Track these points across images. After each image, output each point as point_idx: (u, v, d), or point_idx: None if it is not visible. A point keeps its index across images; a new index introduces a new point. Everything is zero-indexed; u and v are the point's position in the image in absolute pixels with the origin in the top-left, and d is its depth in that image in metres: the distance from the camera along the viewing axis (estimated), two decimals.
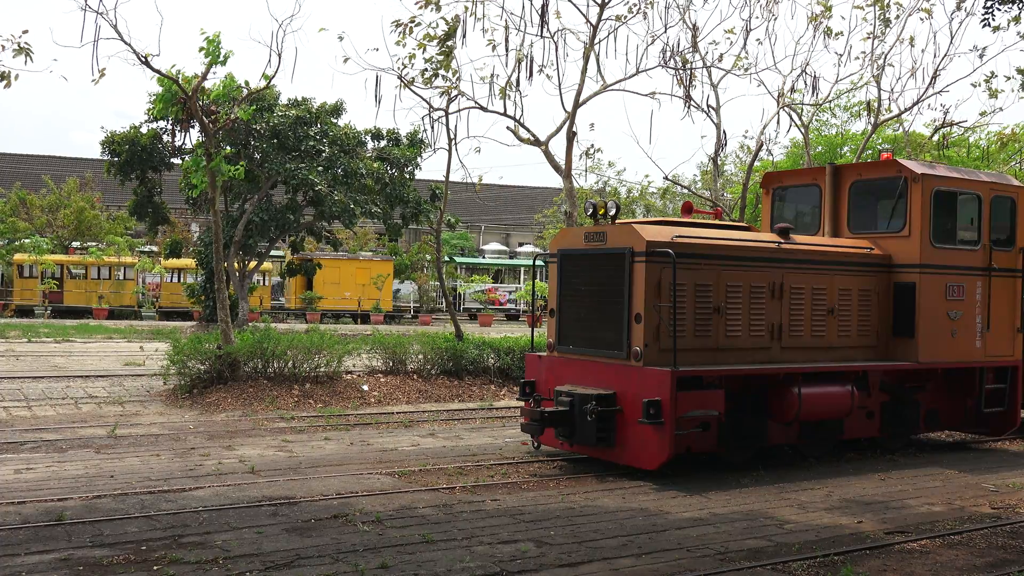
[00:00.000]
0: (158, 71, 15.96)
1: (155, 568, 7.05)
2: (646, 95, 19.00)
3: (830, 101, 24.66)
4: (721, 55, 20.00)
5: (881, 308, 12.89)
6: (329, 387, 17.02)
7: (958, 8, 18.57)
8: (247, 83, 19.47)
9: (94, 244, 45.74)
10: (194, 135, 30.48)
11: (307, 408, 15.94)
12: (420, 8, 17.01)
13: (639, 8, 18.12)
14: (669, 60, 18.64)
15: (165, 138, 32.40)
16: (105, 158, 33.36)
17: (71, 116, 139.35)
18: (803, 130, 23.10)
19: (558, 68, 20.90)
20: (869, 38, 19.91)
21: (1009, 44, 21.08)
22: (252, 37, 71.27)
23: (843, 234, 13.49)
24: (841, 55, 20.11)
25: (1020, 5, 10.26)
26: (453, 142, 19.26)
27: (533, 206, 69.49)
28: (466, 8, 16.94)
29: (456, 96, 18.15)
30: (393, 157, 33.48)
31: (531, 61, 17.46)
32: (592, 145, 19.48)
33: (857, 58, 20.49)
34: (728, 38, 19.95)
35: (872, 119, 21.27)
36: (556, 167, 18.61)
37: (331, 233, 37.38)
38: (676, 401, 10.52)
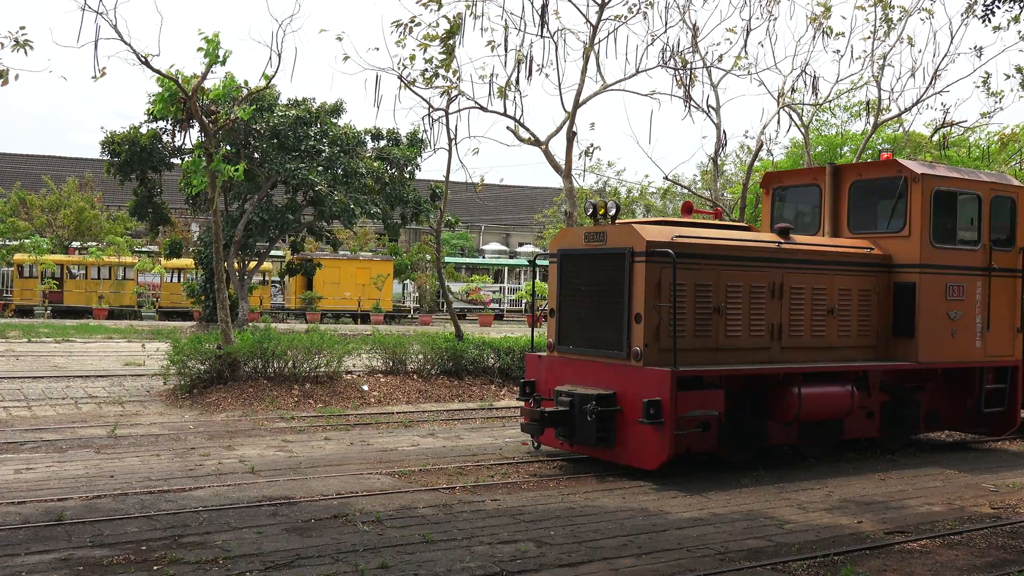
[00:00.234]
0: (158, 71, 15.96)
1: (155, 568, 7.05)
2: (646, 95, 19.01)
3: (830, 101, 24.67)
4: (721, 56, 20.03)
5: (881, 308, 12.89)
6: (329, 387, 17.02)
7: (967, 12, 18.57)
8: (246, 83, 19.47)
9: (94, 244, 45.73)
10: (194, 135, 30.50)
11: (307, 408, 15.94)
12: (423, 7, 17.01)
13: (639, 8, 18.13)
14: (669, 60, 18.64)
15: (165, 138, 32.40)
16: (105, 158, 33.36)
17: (71, 116, 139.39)
18: (803, 130, 23.11)
19: (558, 68, 20.95)
20: (870, 38, 19.93)
21: (1009, 44, 21.06)
22: (252, 37, 71.30)
23: (843, 234, 13.49)
24: (841, 55, 20.13)
25: (1020, 4, 10.26)
26: (453, 142, 19.28)
27: (533, 206, 69.50)
28: (467, 7, 16.95)
29: (456, 96, 18.16)
30: (393, 157, 33.48)
31: (531, 61, 17.47)
32: (592, 144, 19.48)
33: (859, 58, 20.51)
34: (728, 38, 19.98)
35: (872, 119, 21.27)
36: (556, 167, 18.61)
37: (331, 233, 37.38)
38: (676, 401, 10.52)
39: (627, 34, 36.78)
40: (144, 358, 21.74)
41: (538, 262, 55.72)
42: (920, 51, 30.48)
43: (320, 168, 30.53)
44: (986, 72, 20.97)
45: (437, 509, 9.09)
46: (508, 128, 18.50)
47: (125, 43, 15.14)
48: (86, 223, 48.12)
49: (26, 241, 44.08)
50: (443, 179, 20.83)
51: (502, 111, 18.17)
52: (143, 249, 48.47)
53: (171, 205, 38.76)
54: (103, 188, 52.81)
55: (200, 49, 16.03)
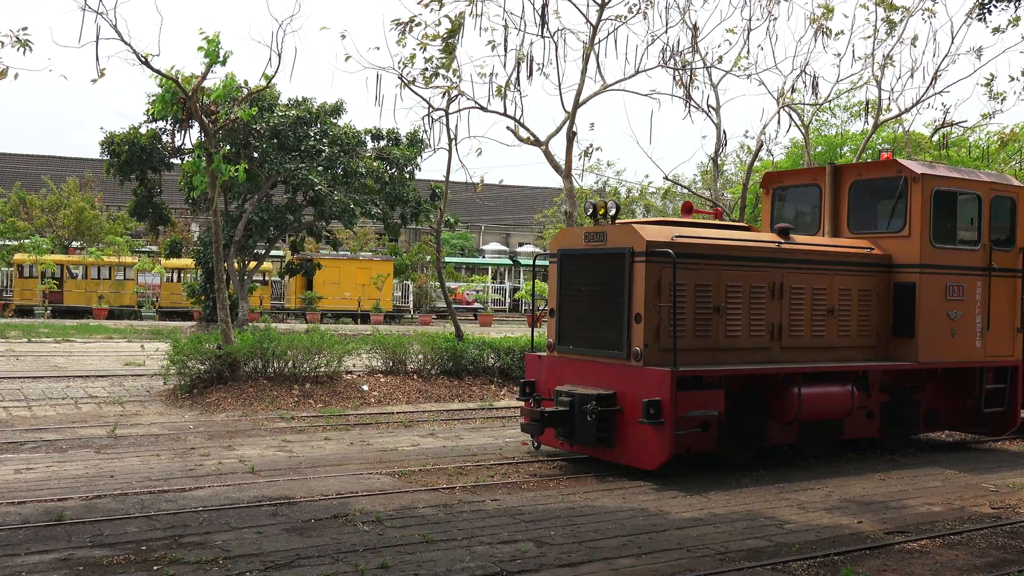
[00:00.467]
0: (158, 71, 15.96)
1: (155, 568, 7.06)
2: (646, 95, 19.01)
3: (830, 101, 24.67)
4: (721, 56, 20.03)
5: (881, 308, 12.89)
6: (329, 387, 17.02)
7: (970, 14, 18.58)
8: (246, 83, 19.48)
9: (93, 245, 45.74)
10: (194, 135, 30.51)
11: (307, 408, 15.94)
12: (423, 6, 17.01)
13: (639, 8, 18.12)
14: (669, 60, 18.64)
15: (164, 138, 32.40)
16: (105, 158, 33.36)
17: (71, 116, 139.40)
18: (803, 130, 23.11)
19: (558, 68, 20.97)
20: (870, 38, 19.93)
21: (1010, 45, 21.15)
22: (252, 37, 71.35)
23: (843, 234, 13.49)
24: (841, 55, 20.13)
25: (1016, 4, 10.27)
26: (453, 142, 19.28)
27: (533, 206, 69.51)
28: (469, 5, 16.95)
29: (456, 96, 18.16)
30: (393, 157, 33.47)
31: (531, 61, 17.47)
32: (591, 144, 19.47)
33: (860, 58, 20.51)
34: (728, 39, 19.98)
35: (872, 119, 21.27)
36: (556, 167, 18.61)
37: (331, 233, 37.37)
38: (676, 401, 10.52)
39: (627, 34, 36.83)
40: (144, 358, 21.74)
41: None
42: (923, 52, 30.55)
43: (320, 168, 30.52)
44: (992, 74, 20.99)
45: (437, 509, 9.09)
46: (508, 128, 18.51)
47: (125, 43, 15.16)
48: (86, 223, 48.12)
49: (26, 241, 44.07)
50: (443, 179, 20.83)
51: (502, 111, 18.18)
52: (143, 249, 48.47)
53: (171, 205, 38.76)
54: (103, 188, 52.82)
55: (200, 49, 16.03)
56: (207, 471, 10.68)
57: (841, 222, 13.58)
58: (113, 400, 16.21)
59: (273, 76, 16.90)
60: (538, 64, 17.54)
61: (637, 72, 18.44)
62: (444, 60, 17.43)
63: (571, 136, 18.20)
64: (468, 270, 58.84)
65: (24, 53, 13.42)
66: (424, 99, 18.26)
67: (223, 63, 16.15)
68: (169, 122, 29.61)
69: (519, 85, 17.62)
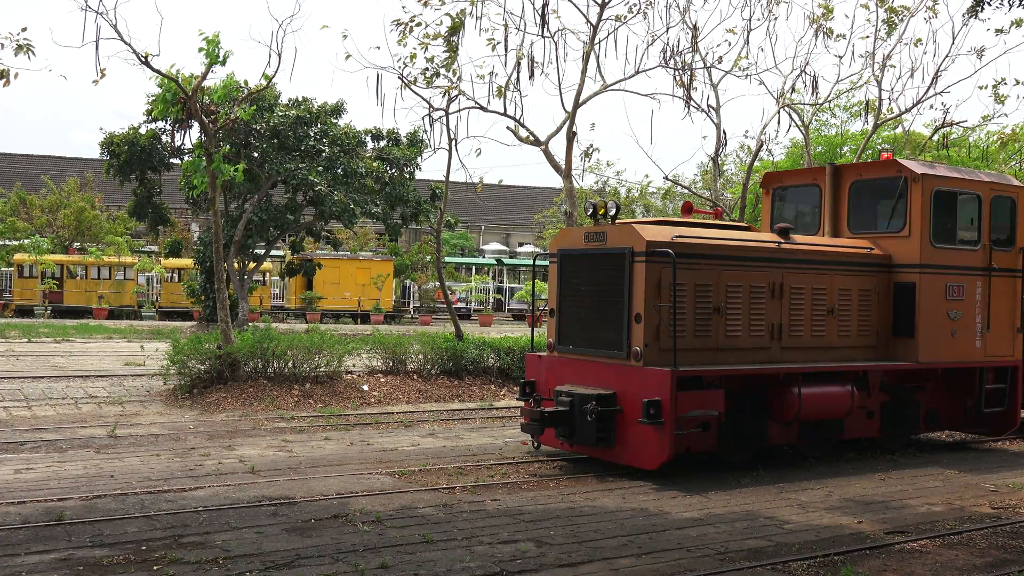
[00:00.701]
0: (158, 71, 15.96)
1: (155, 568, 7.06)
2: (646, 95, 19.01)
3: (830, 101, 24.67)
4: (721, 56, 20.03)
5: (881, 308, 12.89)
6: (329, 387, 17.02)
7: (968, 13, 18.57)
8: (246, 83, 19.49)
9: (93, 245, 45.74)
10: (194, 135, 30.51)
11: (307, 408, 15.94)
12: (423, 5, 17.02)
13: (639, 8, 18.13)
14: (669, 60, 18.64)
15: (164, 138, 32.41)
16: (104, 159, 33.36)
17: (71, 116, 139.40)
18: (803, 130, 23.11)
19: (558, 68, 20.95)
20: (869, 38, 19.93)
21: (1012, 46, 21.11)
22: (252, 37, 71.33)
23: (843, 234, 13.49)
24: (842, 56, 20.14)
25: (1010, 3, 10.28)
26: (453, 142, 19.27)
27: (533, 206, 69.53)
28: (471, 3, 16.94)
29: (456, 96, 18.16)
30: (393, 157, 33.48)
31: (532, 61, 17.47)
32: (591, 145, 19.47)
33: (861, 55, 20.50)
34: (728, 39, 19.98)
35: (872, 119, 21.27)
36: (556, 167, 18.61)
37: (331, 233, 37.37)
38: (676, 401, 10.52)
39: (627, 34, 36.83)
40: (144, 358, 21.74)
41: (538, 262, 55.70)
42: (923, 52, 30.54)
43: (320, 168, 30.53)
44: (1002, 79, 21.02)
45: (437, 509, 9.09)
46: (508, 128, 18.51)
47: (125, 43, 15.16)
48: (86, 223, 48.12)
49: (26, 241, 44.07)
50: (443, 179, 20.83)
51: (502, 111, 18.18)
52: (143, 249, 48.47)
53: (171, 205, 38.77)
54: (103, 188, 52.82)
55: (201, 50, 16.04)
56: (207, 471, 10.68)
57: (841, 222, 13.58)
58: (113, 400, 16.21)
59: (273, 76, 16.91)
60: (538, 64, 17.56)
61: (637, 72, 18.45)
62: (447, 58, 17.43)
63: (571, 136, 18.20)
64: (468, 270, 58.81)
65: (29, 58, 13.41)
66: (424, 99, 18.28)
67: (223, 63, 16.16)
68: (169, 122, 29.61)
69: (519, 85, 17.63)
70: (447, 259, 57.14)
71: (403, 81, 17.79)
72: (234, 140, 29.09)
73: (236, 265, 31.74)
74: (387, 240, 44.16)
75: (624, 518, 8.98)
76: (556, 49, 19.04)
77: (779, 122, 28.88)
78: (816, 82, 20.03)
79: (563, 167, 18.37)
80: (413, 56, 17.70)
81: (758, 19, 19.07)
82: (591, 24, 17.90)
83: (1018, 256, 13.71)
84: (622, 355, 11.04)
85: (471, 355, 18.88)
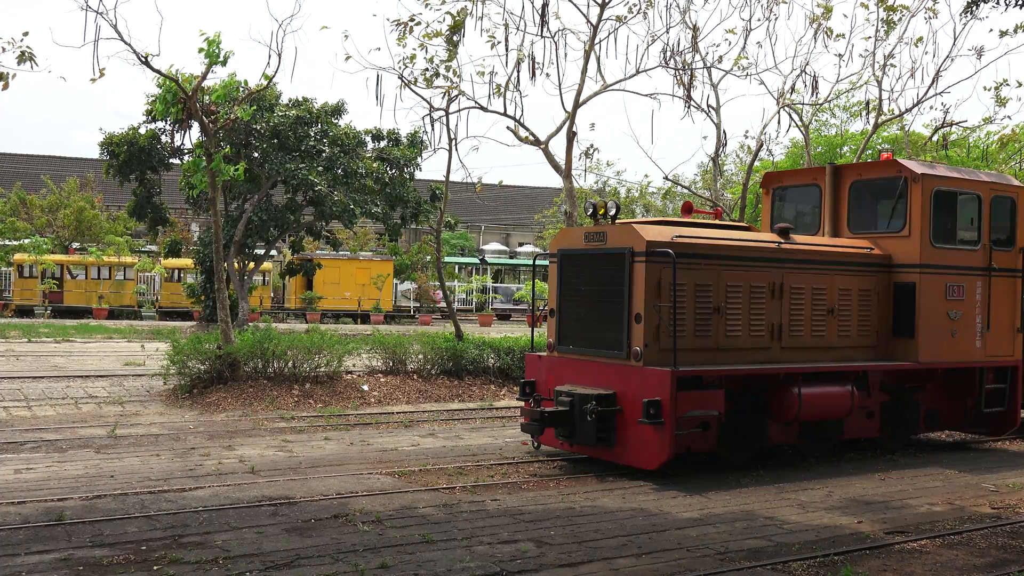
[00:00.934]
0: (158, 71, 15.96)
1: (155, 568, 7.06)
2: (646, 95, 19.01)
3: (830, 101, 24.67)
4: (721, 56, 20.03)
5: (881, 308, 12.89)
6: (329, 387, 17.03)
7: (964, 12, 18.57)
8: (246, 83, 19.48)
9: (93, 245, 45.75)
10: (193, 135, 30.52)
11: (307, 408, 15.94)
12: (423, 5, 17.02)
13: (639, 8, 18.13)
14: (669, 60, 18.65)
15: (164, 139, 32.41)
16: (104, 159, 33.36)
17: (71, 116, 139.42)
18: (803, 130, 23.11)
19: (558, 68, 20.94)
20: (870, 38, 19.93)
21: (1012, 47, 21.11)
22: (252, 37, 71.35)
23: (843, 234, 13.49)
24: (842, 56, 20.13)
25: (1006, 1, 10.28)
26: (453, 142, 19.28)
27: (533, 206, 69.53)
28: (471, 2, 16.95)
29: (456, 96, 18.16)
30: (393, 157, 33.49)
31: (532, 61, 17.47)
32: (592, 145, 19.48)
33: (862, 55, 20.49)
34: (728, 39, 19.98)
35: (873, 119, 21.27)
36: (556, 167, 18.62)
37: (331, 233, 37.37)
38: (676, 401, 10.52)
39: (627, 34, 36.81)
40: (144, 358, 21.74)
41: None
42: (924, 52, 30.53)
43: (320, 168, 30.53)
44: (1003, 79, 21.01)
45: (437, 509, 9.09)
46: (508, 128, 18.51)
47: (125, 43, 15.16)
48: (86, 223, 48.12)
49: (26, 241, 44.07)
50: (443, 179, 20.84)
51: (502, 111, 18.19)
52: (143, 249, 48.46)
53: (171, 205, 38.76)
54: (103, 188, 52.82)
55: (202, 50, 16.04)
56: (207, 471, 10.68)
57: (841, 222, 13.58)
58: (113, 400, 16.21)
59: (273, 76, 16.91)
60: (539, 64, 17.56)
61: (637, 72, 18.46)
62: (447, 56, 17.43)
63: (571, 136, 18.20)
64: (468, 270, 58.80)
65: (31, 67, 13.38)
66: (424, 99, 18.29)
67: (223, 63, 16.15)
68: (169, 122, 29.61)
69: (519, 85, 17.64)
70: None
71: (403, 81, 17.80)
72: (234, 140, 29.09)
73: (236, 265, 31.74)
74: (387, 240, 44.16)
75: (624, 518, 8.98)
76: (556, 49, 19.05)
77: (779, 122, 28.86)
78: (816, 82, 20.04)
79: (563, 167, 18.37)
80: (413, 56, 17.72)
81: (758, 19, 19.09)
82: (591, 24, 17.91)
83: (1018, 256, 13.71)
84: (622, 355, 11.04)
85: (471, 355, 18.88)
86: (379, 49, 50.55)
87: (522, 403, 12.19)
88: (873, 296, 12.79)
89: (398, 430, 14.22)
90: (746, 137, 38.36)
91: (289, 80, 68.63)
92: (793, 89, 20.34)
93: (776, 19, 19.10)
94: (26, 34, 13.45)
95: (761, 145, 21.66)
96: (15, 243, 45.40)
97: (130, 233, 49.58)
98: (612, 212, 11.37)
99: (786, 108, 21.02)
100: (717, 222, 12.90)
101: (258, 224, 30.89)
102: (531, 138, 18.60)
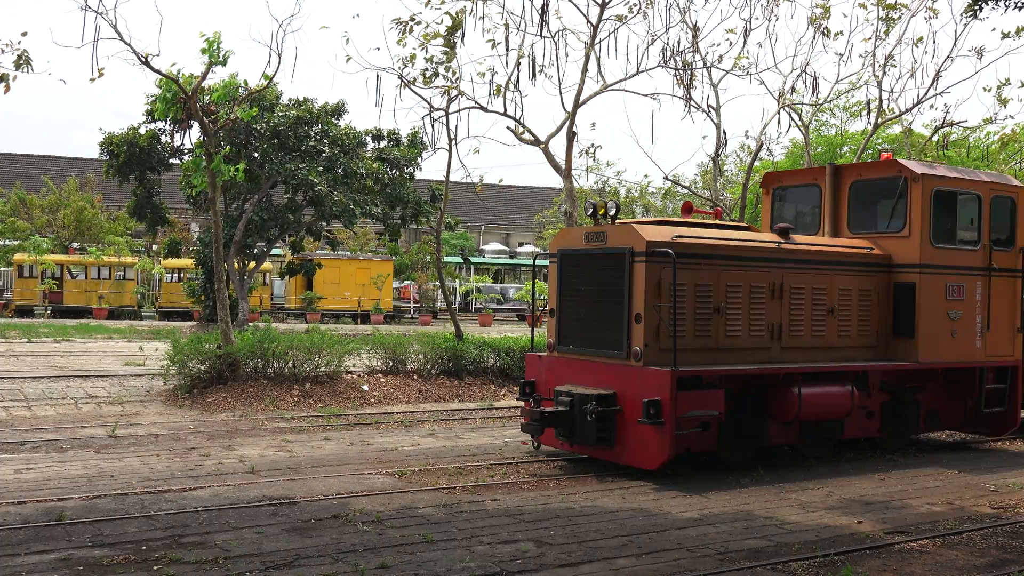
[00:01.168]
0: (158, 71, 15.96)
1: (155, 568, 7.06)
2: (646, 95, 19.01)
3: (830, 101, 24.67)
4: (721, 56, 20.03)
5: (881, 308, 12.89)
6: (329, 387, 17.02)
7: (965, 12, 18.56)
8: (245, 83, 19.49)
9: (93, 245, 45.74)
10: (194, 135, 30.50)
11: (307, 408, 15.94)
12: (423, 4, 17.02)
13: (639, 8, 18.13)
14: (669, 60, 18.65)
15: (164, 139, 32.39)
16: (104, 159, 33.35)
17: (71, 116, 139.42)
18: (803, 130, 23.11)
19: (558, 68, 20.88)
20: (871, 39, 19.93)
21: (1013, 47, 21.13)
22: (252, 37, 71.33)
23: (843, 234, 13.49)
24: (842, 55, 20.13)
25: (1006, 3, 10.28)
26: (453, 142, 19.27)
27: (533, 206, 69.53)
28: (471, 2, 16.95)
29: (456, 96, 18.16)
30: (393, 158, 33.49)
31: (532, 61, 17.47)
32: (592, 143, 19.49)
33: (861, 55, 20.48)
34: (728, 39, 19.97)
35: (872, 119, 21.26)
36: (556, 167, 18.62)
37: (331, 233, 37.36)
38: (676, 401, 10.52)
39: (627, 34, 36.73)
40: (144, 358, 21.74)
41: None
42: (924, 52, 30.56)
43: (320, 168, 30.53)
44: (1005, 78, 21.01)
45: (437, 509, 9.09)
46: (508, 128, 18.51)
47: (125, 43, 15.15)
48: (86, 223, 48.12)
49: (26, 241, 44.07)
50: (443, 179, 20.84)
51: (502, 111, 18.18)
52: (143, 249, 48.46)
53: (171, 205, 38.74)
54: (103, 188, 52.81)
55: (203, 51, 16.04)
56: (207, 471, 10.68)
57: (841, 222, 13.58)
58: (113, 400, 16.21)
59: (273, 76, 16.91)
60: (540, 65, 17.56)
61: (637, 72, 18.46)
62: (446, 56, 17.43)
63: (571, 136, 18.20)
64: (468, 270, 58.79)
65: (27, 71, 13.36)
66: (424, 99, 18.28)
67: (223, 63, 16.16)
68: (169, 122, 29.59)
69: (519, 85, 17.63)
70: (455, 259, 57.02)
71: (403, 81, 17.80)
72: (234, 140, 29.09)
73: (236, 265, 31.74)
74: (387, 240, 44.14)
75: (624, 518, 8.98)
76: (556, 49, 19.03)
77: (779, 122, 28.88)
78: (816, 82, 20.04)
79: (563, 167, 18.37)
80: (412, 56, 17.71)
81: (758, 19, 19.09)
82: (591, 24, 17.91)
83: (1018, 256, 13.71)
84: (622, 355, 11.04)
85: (471, 355, 18.88)
86: (378, 49, 50.45)
87: (522, 403, 12.19)
88: (873, 296, 12.79)
89: (398, 430, 14.22)
90: (746, 137, 38.38)
91: (289, 80, 68.69)
92: (793, 89, 20.35)
93: (776, 19, 19.10)
94: (25, 35, 13.45)
95: (761, 145, 21.66)
96: (15, 243, 45.40)
97: (130, 233, 49.57)
98: (612, 212, 11.37)
99: (786, 108, 21.02)
100: (717, 222, 12.90)
101: (258, 224, 30.88)
102: (531, 138, 18.60)
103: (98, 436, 12.96)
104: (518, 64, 17.44)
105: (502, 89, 17.74)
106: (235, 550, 7.53)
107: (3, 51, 13.41)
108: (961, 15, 18.43)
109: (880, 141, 30.27)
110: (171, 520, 8.41)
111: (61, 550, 7.44)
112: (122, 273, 44.17)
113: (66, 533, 7.92)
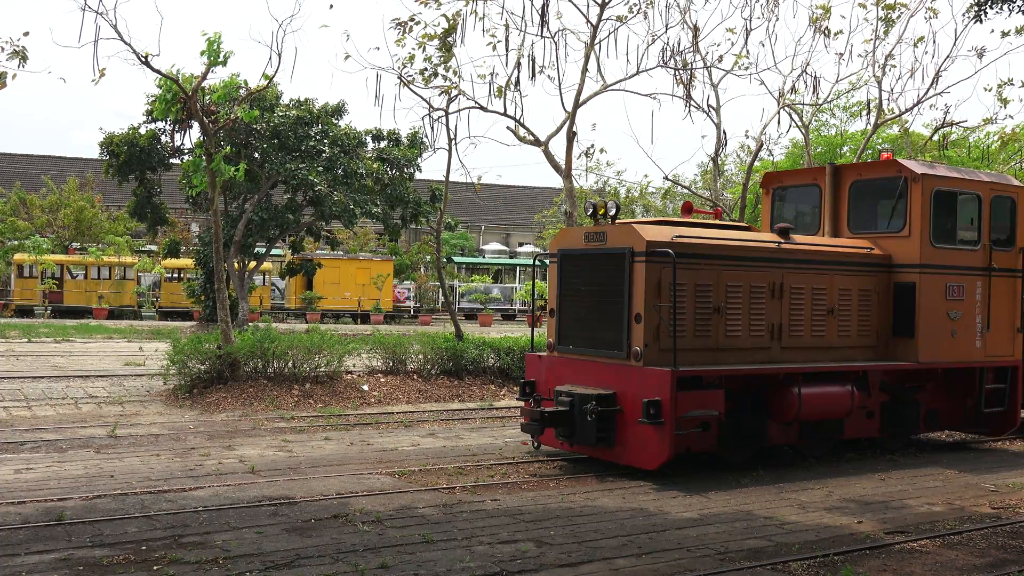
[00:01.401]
0: (158, 71, 15.96)
1: (155, 568, 7.06)
2: (646, 95, 19.01)
3: (830, 101, 24.67)
4: (721, 56, 20.03)
5: (881, 308, 12.89)
6: (329, 387, 17.02)
7: (967, 13, 18.56)
8: (245, 83, 19.50)
9: (93, 245, 45.74)
10: (194, 135, 30.51)
11: (307, 408, 15.94)
12: (422, 5, 17.02)
13: (639, 8, 18.13)
14: (669, 60, 18.65)
15: (164, 139, 32.41)
16: (104, 159, 33.36)
17: (71, 116, 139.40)
18: (803, 130, 23.11)
19: (558, 68, 20.90)
20: (871, 40, 19.92)
21: (1013, 47, 21.09)
22: (252, 37, 71.30)
23: (843, 234, 13.49)
24: (842, 55, 20.13)
25: (1009, 7, 10.29)
26: (453, 142, 19.27)
27: (533, 206, 69.53)
28: (467, 3, 16.95)
29: (456, 96, 18.16)
30: (393, 158, 33.50)
31: (532, 61, 17.48)
32: (592, 145, 19.48)
33: (861, 55, 20.48)
34: (728, 39, 19.98)
35: (873, 119, 21.26)
36: (556, 167, 18.62)
37: (331, 233, 37.38)
38: (676, 401, 10.52)
39: (627, 34, 36.76)
40: (144, 358, 21.74)
41: (538, 262, 55.13)
42: (925, 52, 30.54)
43: (320, 168, 30.54)
44: (1008, 78, 20.99)
45: (437, 509, 9.09)
46: (508, 128, 18.51)
47: (125, 43, 15.15)
48: (86, 223, 48.12)
49: (26, 241, 44.08)
50: (443, 179, 20.84)
51: (502, 111, 18.18)
52: (143, 249, 48.46)
53: (171, 205, 38.74)
54: (103, 188, 52.82)
55: (204, 52, 16.04)
56: (207, 471, 10.68)
57: (841, 222, 13.58)
58: (113, 400, 16.21)
59: (273, 76, 16.91)
60: (539, 65, 17.57)
61: (637, 72, 18.46)
62: (443, 57, 17.44)
63: (571, 136, 18.20)
64: (468, 270, 58.80)
65: (20, 65, 13.34)
66: (424, 99, 18.28)
67: (223, 64, 16.16)
68: (169, 122, 29.61)
69: (519, 85, 17.63)
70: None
71: (402, 81, 17.80)
72: (234, 140, 29.09)
73: (236, 265, 31.74)
74: (387, 240, 44.15)
75: (624, 518, 8.98)
76: (556, 49, 19.07)
77: (779, 122, 28.89)
78: (817, 82, 20.04)
79: (563, 167, 18.37)
80: (412, 56, 17.71)
81: (758, 18, 19.08)
82: (591, 24, 17.91)
83: (1018, 256, 13.71)
84: (622, 355, 11.04)
85: (471, 355, 18.88)
86: (378, 48, 50.54)
87: (522, 403, 12.19)
88: (873, 296, 12.79)
89: (398, 430, 14.22)
90: (746, 137, 38.40)
91: (289, 80, 68.65)
92: (793, 89, 20.35)
93: (776, 20, 19.11)
94: (26, 34, 13.44)
95: (761, 145, 21.66)
96: (15, 243, 45.41)
97: (130, 233, 49.58)
98: (612, 212, 11.36)
99: (786, 108, 21.02)
100: (717, 222, 12.90)
101: (258, 224, 30.89)
102: (531, 138, 18.61)
103: (98, 436, 12.96)
104: (518, 64, 17.45)
105: (503, 90, 17.75)
106: (235, 550, 7.53)
107: (2, 48, 13.41)
108: (963, 15, 18.45)
109: (880, 141, 30.27)
110: (171, 520, 8.41)
111: (61, 550, 7.44)
112: (122, 273, 44.17)
113: (66, 533, 7.92)
